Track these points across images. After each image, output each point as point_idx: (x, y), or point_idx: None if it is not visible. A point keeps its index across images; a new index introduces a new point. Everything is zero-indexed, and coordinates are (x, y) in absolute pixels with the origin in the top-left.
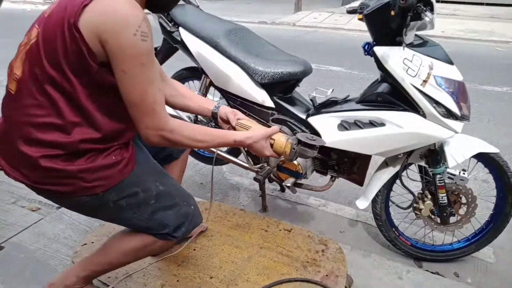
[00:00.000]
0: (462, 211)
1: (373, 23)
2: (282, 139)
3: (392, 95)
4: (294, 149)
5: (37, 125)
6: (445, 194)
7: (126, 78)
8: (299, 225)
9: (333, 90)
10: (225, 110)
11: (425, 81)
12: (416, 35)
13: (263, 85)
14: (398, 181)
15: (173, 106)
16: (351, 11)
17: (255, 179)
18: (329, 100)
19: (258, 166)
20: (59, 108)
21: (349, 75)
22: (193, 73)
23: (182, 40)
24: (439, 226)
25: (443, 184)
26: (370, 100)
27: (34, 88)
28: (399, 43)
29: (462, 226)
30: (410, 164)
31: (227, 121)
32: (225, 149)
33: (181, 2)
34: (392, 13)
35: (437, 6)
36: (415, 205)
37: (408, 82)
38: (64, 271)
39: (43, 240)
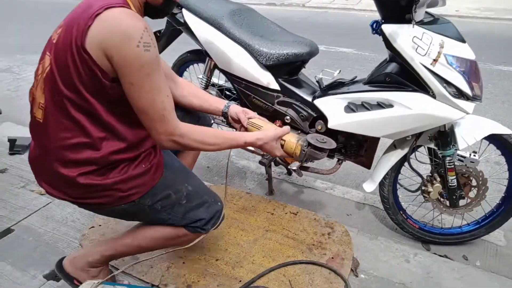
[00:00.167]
0: (472, 194)
1: None
2: (293, 140)
3: (400, 75)
4: (304, 151)
5: (68, 147)
6: (454, 177)
7: (134, 89)
8: (306, 209)
9: (340, 71)
10: (236, 110)
11: (435, 60)
12: (426, 12)
13: (268, 67)
14: (406, 163)
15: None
16: None
17: (260, 162)
18: (336, 81)
19: None
20: (84, 127)
21: (359, 57)
22: (198, 55)
23: (185, 21)
24: (448, 209)
25: (452, 166)
26: (378, 80)
27: (58, 113)
28: (408, 21)
29: (472, 209)
30: (419, 146)
31: (238, 121)
32: None
33: None
34: None
35: None
36: (423, 188)
37: (418, 62)
38: (87, 248)
39: (52, 223)
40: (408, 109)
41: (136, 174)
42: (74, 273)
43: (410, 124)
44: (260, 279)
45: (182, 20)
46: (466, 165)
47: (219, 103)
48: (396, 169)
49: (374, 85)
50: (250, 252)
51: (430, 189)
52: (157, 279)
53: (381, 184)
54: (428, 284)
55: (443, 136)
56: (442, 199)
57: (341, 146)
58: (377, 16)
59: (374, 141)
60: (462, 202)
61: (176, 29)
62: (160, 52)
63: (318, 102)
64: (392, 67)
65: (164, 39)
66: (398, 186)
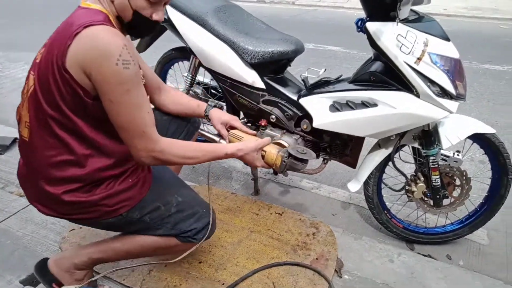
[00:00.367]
0: (456, 193)
1: None
2: (274, 151)
3: (385, 74)
4: (284, 161)
5: (53, 165)
6: (438, 176)
7: (113, 106)
8: (291, 208)
9: (325, 70)
10: (217, 118)
11: (419, 59)
12: (412, 10)
13: (253, 65)
14: (390, 163)
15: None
16: None
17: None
18: (321, 80)
19: None
20: (68, 144)
21: (347, 55)
22: (182, 53)
23: (169, 18)
24: (432, 208)
25: (436, 166)
26: (362, 79)
27: (43, 132)
28: (393, 19)
29: (455, 209)
30: (403, 145)
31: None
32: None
33: None
34: None
35: None
36: (407, 187)
37: (402, 60)
38: (74, 249)
39: (31, 226)
40: (392, 108)
41: (123, 188)
42: (58, 274)
43: (394, 124)
44: (244, 281)
45: (166, 17)
46: (449, 164)
47: (200, 110)
48: (380, 168)
49: (359, 84)
50: (234, 254)
51: (414, 188)
52: (138, 283)
53: (366, 183)
54: (412, 284)
55: (427, 136)
56: (426, 199)
57: (326, 145)
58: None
59: (359, 140)
60: (446, 202)
61: (160, 25)
62: (144, 50)
63: (304, 101)
64: (376, 65)
65: (148, 37)
66: (382, 185)
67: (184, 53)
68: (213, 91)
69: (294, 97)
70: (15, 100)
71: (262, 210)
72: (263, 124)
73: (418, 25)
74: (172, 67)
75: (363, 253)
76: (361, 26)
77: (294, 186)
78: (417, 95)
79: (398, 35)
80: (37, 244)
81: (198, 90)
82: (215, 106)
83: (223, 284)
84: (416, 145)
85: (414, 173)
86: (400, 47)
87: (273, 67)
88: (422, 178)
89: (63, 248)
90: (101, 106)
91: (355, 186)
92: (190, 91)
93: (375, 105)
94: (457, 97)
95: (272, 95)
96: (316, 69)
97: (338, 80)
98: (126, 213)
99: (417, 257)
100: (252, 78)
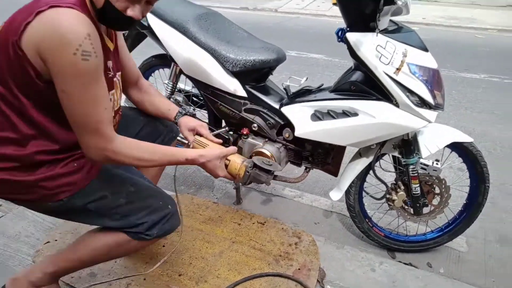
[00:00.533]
0: (436, 201)
1: (346, 7)
2: (238, 161)
3: (365, 84)
4: (248, 172)
5: None
6: (418, 185)
7: (65, 96)
8: (274, 217)
9: (307, 78)
10: (186, 124)
11: (398, 69)
12: (391, 20)
13: (234, 74)
14: (371, 171)
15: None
16: None
17: None
18: (303, 89)
19: None
20: (13, 122)
21: (329, 63)
22: (163, 60)
23: (149, 25)
24: (412, 216)
25: (416, 174)
26: (343, 89)
27: None
28: (372, 29)
29: (435, 217)
30: (384, 154)
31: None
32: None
33: None
34: None
35: None
36: (388, 196)
37: (381, 70)
38: (29, 267)
39: (3, 239)
40: (372, 117)
41: (65, 172)
42: None
43: (374, 133)
44: None
45: (146, 23)
46: (429, 173)
47: (171, 114)
48: (361, 177)
49: (340, 93)
50: (215, 266)
51: (394, 197)
52: None
53: (347, 192)
54: None
55: (407, 145)
56: (406, 207)
57: (308, 154)
58: None
59: (341, 149)
60: (426, 210)
61: (140, 32)
62: None
63: (285, 110)
64: (357, 75)
65: (128, 42)
66: (364, 194)
67: (164, 60)
68: (195, 99)
69: (276, 106)
70: None
71: (244, 220)
72: (245, 132)
73: (397, 35)
74: (152, 74)
75: (345, 263)
76: (341, 36)
77: (276, 194)
78: (397, 105)
79: (378, 45)
80: (9, 258)
81: (179, 97)
82: (185, 114)
83: None
84: (396, 154)
85: (394, 182)
86: (380, 57)
87: (255, 75)
88: (402, 187)
89: (36, 262)
90: (54, 91)
91: (337, 194)
92: (171, 99)
93: (356, 114)
94: (436, 107)
95: (254, 103)
96: (298, 78)
97: (319, 89)
98: (67, 199)
99: (398, 265)
100: (234, 86)
